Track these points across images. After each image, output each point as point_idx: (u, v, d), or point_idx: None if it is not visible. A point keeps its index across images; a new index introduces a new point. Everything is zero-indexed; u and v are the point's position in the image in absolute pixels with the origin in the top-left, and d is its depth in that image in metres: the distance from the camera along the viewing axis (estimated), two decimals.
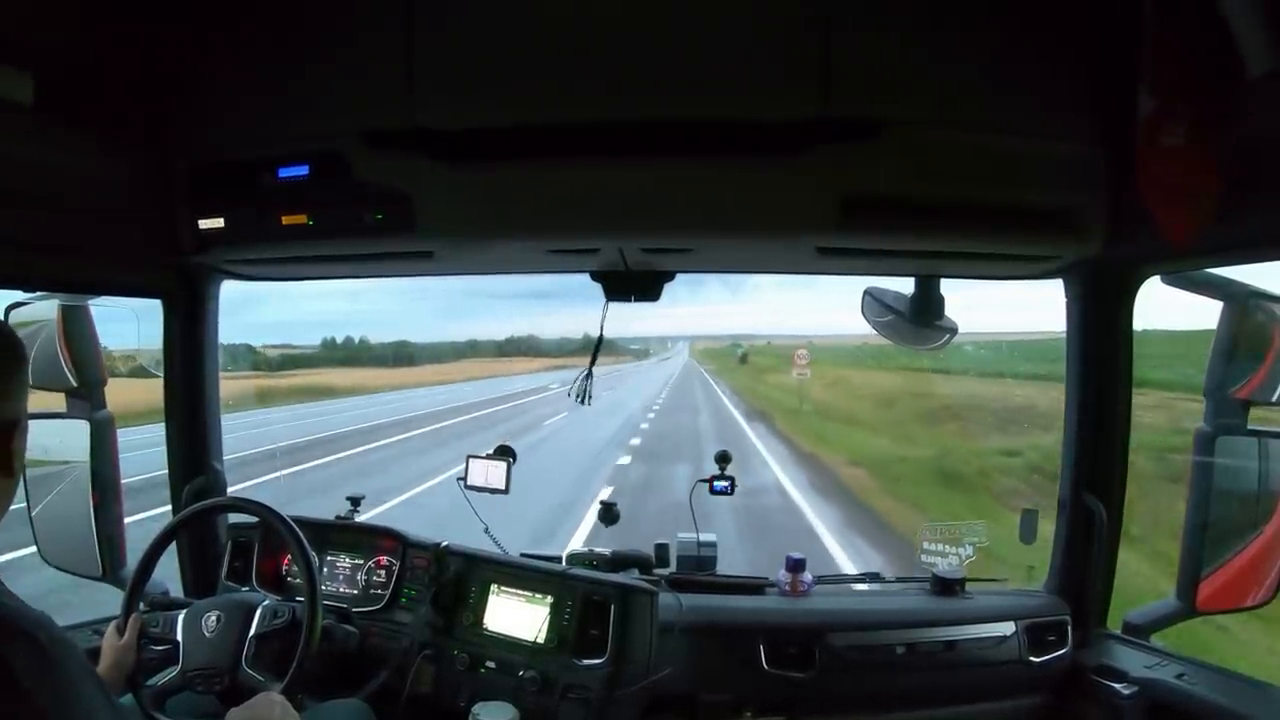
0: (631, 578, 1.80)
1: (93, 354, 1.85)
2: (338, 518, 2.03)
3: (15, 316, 1.72)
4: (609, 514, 2.02)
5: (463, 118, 1.35)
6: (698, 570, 1.95)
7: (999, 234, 1.44)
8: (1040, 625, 1.76)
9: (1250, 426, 1.63)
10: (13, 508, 0.98)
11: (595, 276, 1.80)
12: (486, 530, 1.98)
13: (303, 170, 1.44)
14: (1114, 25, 1.29)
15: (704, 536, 1.98)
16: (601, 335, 1.87)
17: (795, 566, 1.89)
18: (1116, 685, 1.63)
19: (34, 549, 1.88)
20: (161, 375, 1.91)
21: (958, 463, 9.71)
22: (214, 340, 1.95)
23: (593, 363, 1.90)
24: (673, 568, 1.96)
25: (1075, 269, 1.68)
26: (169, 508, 1.95)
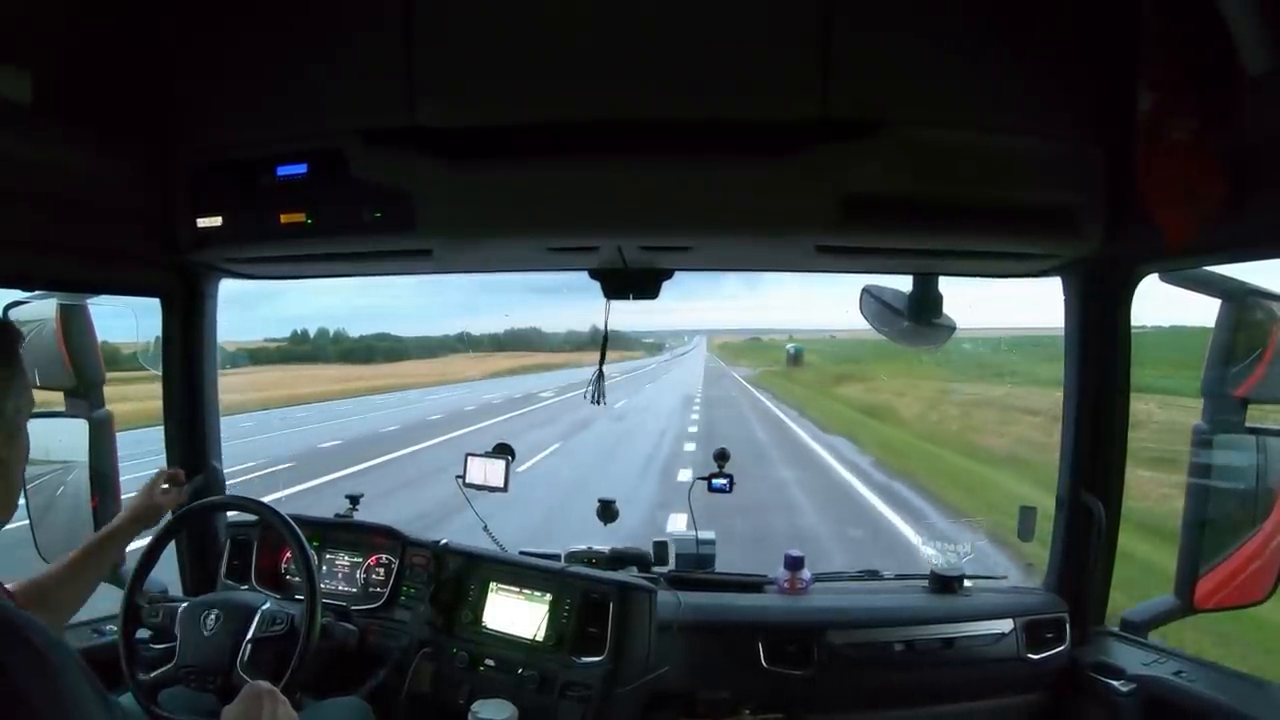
0: (630, 576, 1.80)
1: (92, 353, 1.84)
2: (337, 516, 2.03)
3: (14, 315, 1.71)
4: (607, 511, 2.02)
5: (462, 116, 1.35)
6: (696, 568, 1.95)
7: (997, 232, 1.44)
8: (1039, 623, 1.77)
9: (1248, 424, 1.63)
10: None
11: (594, 274, 1.79)
12: (485, 528, 1.98)
13: (301, 169, 1.44)
14: (1113, 24, 1.29)
15: (703, 534, 1.98)
16: (606, 334, 1.87)
17: (794, 564, 1.89)
18: (1114, 682, 1.63)
19: None
20: (159, 372, 1.92)
21: None
22: (213, 339, 1.94)
23: (601, 361, 1.90)
24: (671, 565, 1.96)
25: (1073, 267, 1.68)
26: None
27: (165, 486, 1.58)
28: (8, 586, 1.16)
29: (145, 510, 1.55)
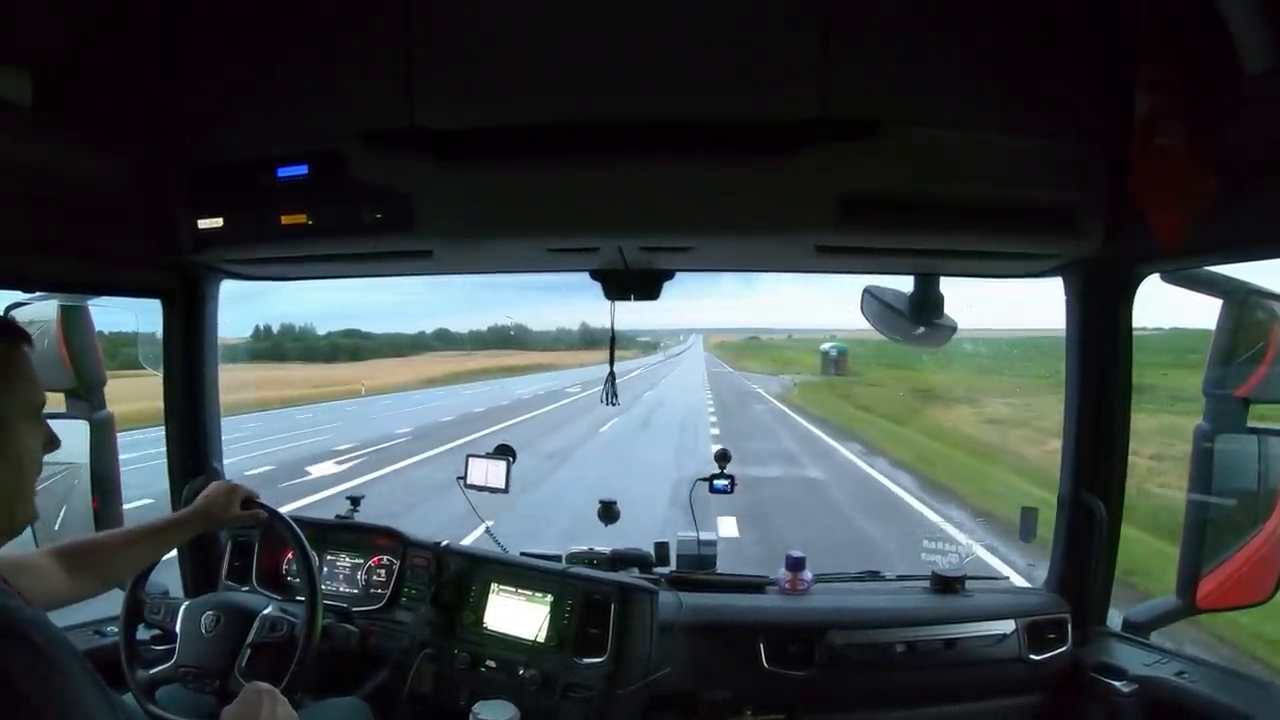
0: (631, 577, 1.80)
1: (92, 354, 1.85)
2: (338, 517, 2.03)
3: (15, 316, 1.72)
4: (608, 513, 2.01)
5: (461, 117, 1.35)
6: (698, 569, 1.94)
7: (997, 232, 1.44)
8: (1040, 623, 1.76)
9: (1250, 424, 1.63)
10: None
11: (595, 275, 1.80)
12: (488, 530, 1.98)
13: (302, 170, 1.45)
14: (1112, 23, 1.29)
15: (704, 535, 1.98)
16: (614, 335, 1.88)
17: (795, 565, 1.89)
18: (1116, 683, 1.63)
19: None
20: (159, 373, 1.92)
21: None
22: (214, 340, 1.95)
23: (611, 362, 1.92)
24: (673, 566, 1.96)
25: (1074, 267, 1.68)
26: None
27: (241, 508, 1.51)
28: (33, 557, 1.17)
29: (211, 519, 1.48)
